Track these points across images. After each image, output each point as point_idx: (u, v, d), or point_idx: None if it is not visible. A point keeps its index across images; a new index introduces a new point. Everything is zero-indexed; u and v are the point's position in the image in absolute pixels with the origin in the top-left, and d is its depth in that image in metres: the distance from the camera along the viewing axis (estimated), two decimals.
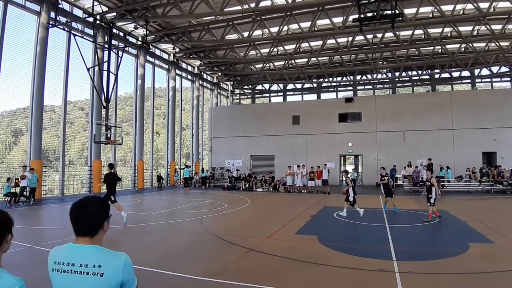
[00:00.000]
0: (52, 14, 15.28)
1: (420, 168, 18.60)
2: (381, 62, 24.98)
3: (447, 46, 21.20)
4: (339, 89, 30.43)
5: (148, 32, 18.99)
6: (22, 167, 14.11)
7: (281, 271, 5.20)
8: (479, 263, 5.49)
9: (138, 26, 19.70)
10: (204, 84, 29.73)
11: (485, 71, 25.82)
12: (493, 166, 20.08)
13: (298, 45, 21.47)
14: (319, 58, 23.62)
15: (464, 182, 19.09)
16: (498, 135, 21.36)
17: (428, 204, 9.58)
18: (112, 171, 9.82)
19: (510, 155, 20.55)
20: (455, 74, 26.84)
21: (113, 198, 8.97)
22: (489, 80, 26.87)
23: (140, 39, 20.69)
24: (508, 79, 26.42)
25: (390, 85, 28.99)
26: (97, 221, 1.57)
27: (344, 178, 11.15)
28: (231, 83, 32.32)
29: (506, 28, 17.95)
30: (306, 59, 24.24)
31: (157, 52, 23.69)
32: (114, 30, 18.53)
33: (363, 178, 24.09)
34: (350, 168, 28.03)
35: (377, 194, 17.45)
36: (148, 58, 22.56)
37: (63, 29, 15.86)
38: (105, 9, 17.01)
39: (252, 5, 15.94)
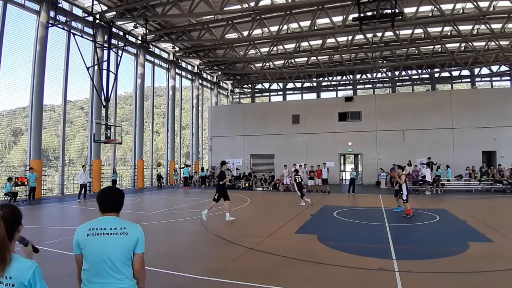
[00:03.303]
0: (52, 13, 15.25)
1: (420, 167, 18.61)
2: (381, 61, 24.97)
3: (447, 45, 21.18)
4: (339, 88, 30.42)
5: (147, 31, 18.96)
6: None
7: (281, 270, 5.20)
8: (478, 262, 5.49)
9: (138, 25, 19.64)
10: (204, 83, 29.71)
11: (485, 70, 25.79)
12: (492, 165, 20.09)
13: (298, 44, 21.44)
14: (319, 57, 23.58)
15: (464, 181, 19.10)
16: (498, 134, 21.35)
17: (403, 201, 10.03)
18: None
19: (510, 154, 20.54)
20: (455, 73, 26.81)
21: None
22: (489, 79, 26.87)
23: (139, 38, 20.66)
24: (508, 78, 26.40)
25: (390, 84, 28.96)
26: (121, 203, 2.23)
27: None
28: (231, 82, 32.28)
29: (506, 27, 17.92)
30: (306, 58, 24.21)
31: (157, 51, 23.66)
32: (114, 29, 18.53)
33: (362, 177, 24.10)
34: (349, 167, 28.05)
35: (376, 193, 17.50)
36: (147, 57, 22.52)
37: (63, 28, 15.83)
38: (104, 8, 16.97)
39: (252, 4, 15.92)
